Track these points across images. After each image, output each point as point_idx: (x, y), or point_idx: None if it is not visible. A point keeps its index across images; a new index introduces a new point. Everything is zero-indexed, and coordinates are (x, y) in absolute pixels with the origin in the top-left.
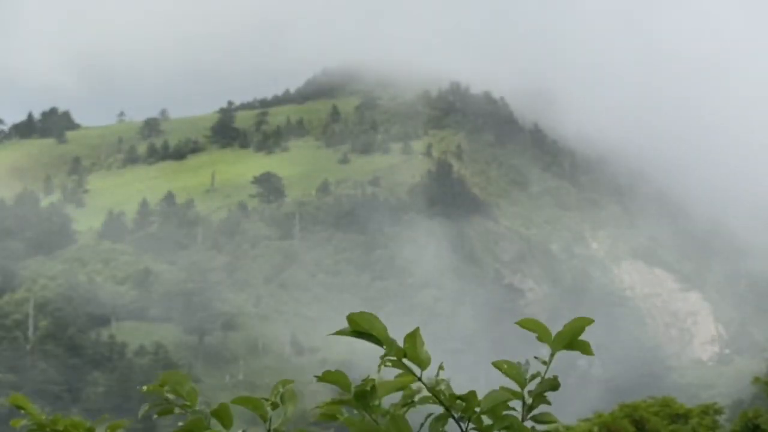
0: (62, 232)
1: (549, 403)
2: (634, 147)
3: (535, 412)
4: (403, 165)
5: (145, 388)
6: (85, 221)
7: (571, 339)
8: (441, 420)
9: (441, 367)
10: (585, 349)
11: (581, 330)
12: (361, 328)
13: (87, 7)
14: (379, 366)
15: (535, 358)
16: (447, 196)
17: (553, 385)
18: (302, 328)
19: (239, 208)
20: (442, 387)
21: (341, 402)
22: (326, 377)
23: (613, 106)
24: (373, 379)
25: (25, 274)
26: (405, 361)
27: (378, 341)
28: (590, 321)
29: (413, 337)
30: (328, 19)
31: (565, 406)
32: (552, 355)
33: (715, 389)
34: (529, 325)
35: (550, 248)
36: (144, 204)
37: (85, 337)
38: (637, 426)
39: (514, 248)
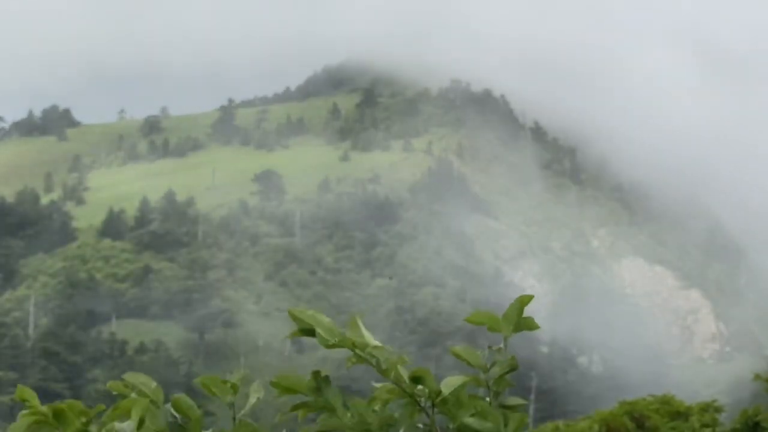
0: (62, 230)
1: (513, 385)
2: (634, 145)
3: (502, 397)
4: (404, 163)
5: (108, 384)
6: (86, 219)
7: (518, 320)
8: (407, 409)
9: (400, 357)
10: (530, 325)
11: (521, 309)
12: (305, 323)
13: (87, 6)
14: (347, 362)
15: (490, 347)
16: (447, 193)
17: (512, 365)
18: None
19: (240, 205)
20: (399, 371)
21: (303, 406)
22: (278, 383)
23: (613, 105)
24: (319, 371)
25: (26, 272)
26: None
27: (321, 335)
28: (530, 297)
29: (354, 324)
30: (329, 17)
31: (565, 404)
32: (505, 339)
33: (716, 387)
34: (477, 318)
35: (551, 246)
36: (144, 201)
37: (85, 335)
38: (637, 423)
39: (514, 246)
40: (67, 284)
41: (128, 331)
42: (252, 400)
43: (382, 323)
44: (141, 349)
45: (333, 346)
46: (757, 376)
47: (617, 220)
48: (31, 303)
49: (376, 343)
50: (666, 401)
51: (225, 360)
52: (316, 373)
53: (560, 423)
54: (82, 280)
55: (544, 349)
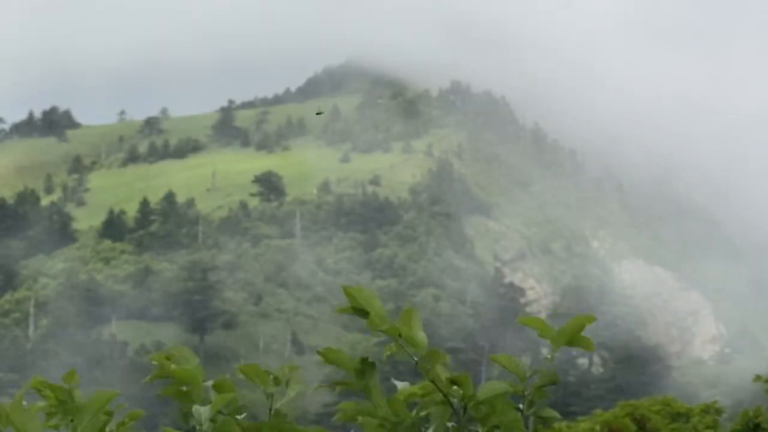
0: (63, 231)
1: (549, 398)
2: (634, 146)
3: (537, 407)
4: (404, 164)
5: (151, 356)
6: (86, 220)
7: (573, 336)
8: (441, 409)
9: (442, 354)
10: (587, 345)
11: (582, 327)
12: (358, 303)
13: (88, 6)
14: (388, 350)
15: (546, 358)
16: (448, 195)
17: (554, 379)
18: (303, 327)
19: (240, 206)
20: (437, 372)
21: (343, 384)
22: (326, 355)
23: (613, 105)
24: (367, 358)
25: (26, 273)
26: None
27: (365, 314)
28: (593, 318)
29: (408, 316)
30: (329, 18)
31: (565, 406)
32: (554, 351)
33: (716, 388)
34: (531, 322)
35: (551, 247)
36: (145, 203)
37: (85, 336)
38: (638, 425)
39: (514, 247)
40: (68, 285)
41: (128, 332)
42: (291, 393)
43: None
44: (141, 350)
45: (381, 330)
46: (758, 378)
47: (617, 221)
48: (31, 304)
49: (423, 337)
50: (667, 403)
51: (225, 361)
52: (364, 359)
53: (561, 425)
54: (83, 281)
55: (544, 350)
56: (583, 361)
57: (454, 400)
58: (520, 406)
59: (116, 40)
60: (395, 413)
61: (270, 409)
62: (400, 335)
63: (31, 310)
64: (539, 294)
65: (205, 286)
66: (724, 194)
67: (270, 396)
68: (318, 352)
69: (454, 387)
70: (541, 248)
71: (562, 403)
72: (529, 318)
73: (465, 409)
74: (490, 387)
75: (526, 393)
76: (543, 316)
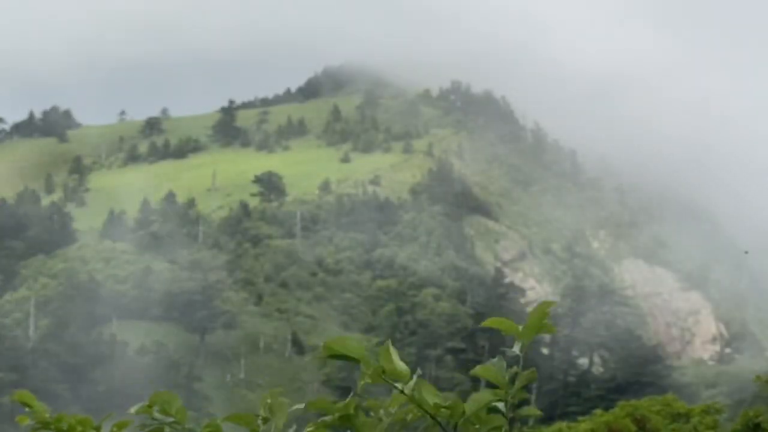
0: (63, 231)
1: (527, 397)
2: (635, 146)
3: (519, 407)
4: (404, 164)
5: (133, 409)
6: (86, 220)
7: (539, 326)
8: (429, 430)
9: (417, 373)
10: (549, 329)
11: (545, 314)
12: (337, 352)
13: (88, 6)
14: (360, 385)
15: (503, 352)
16: (448, 195)
17: (531, 378)
18: (303, 327)
19: (240, 207)
20: (424, 396)
21: (326, 424)
22: (311, 407)
23: (614, 105)
24: (354, 400)
25: (26, 273)
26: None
27: (355, 361)
28: (552, 303)
29: (387, 352)
30: (330, 18)
31: (565, 406)
32: (523, 346)
33: (716, 388)
34: (495, 324)
35: (551, 247)
36: (145, 203)
37: (86, 336)
38: (638, 425)
39: (515, 247)
40: (68, 285)
41: (129, 332)
42: (279, 424)
43: (382, 324)
44: (142, 350)
45: (369, 374)
46: (758, 378)
47: (617, 221)
48: (31, 304)
49: (405, 368)
50: (667, 403)
51: (226, 361)
52: (348, 404)
53: (561, 424)
54: (83, 281)
55: (545, 351)
56: (583, 361)
57: (443, 421)
58: (502, 408)
59: (116, 40)
60: None
61: None
62: (383, 371)
63: (32, 310)
64: (539, 294)
65: (206, 286)
66: (724, 194)
67: None
68: (303, 407)
69: (443, 409)
70: (541, 248)
71: (562, 403)
72: (492, 320)
73: (455, 427)
74: (476, 400)
75: (508, 397)
76: None
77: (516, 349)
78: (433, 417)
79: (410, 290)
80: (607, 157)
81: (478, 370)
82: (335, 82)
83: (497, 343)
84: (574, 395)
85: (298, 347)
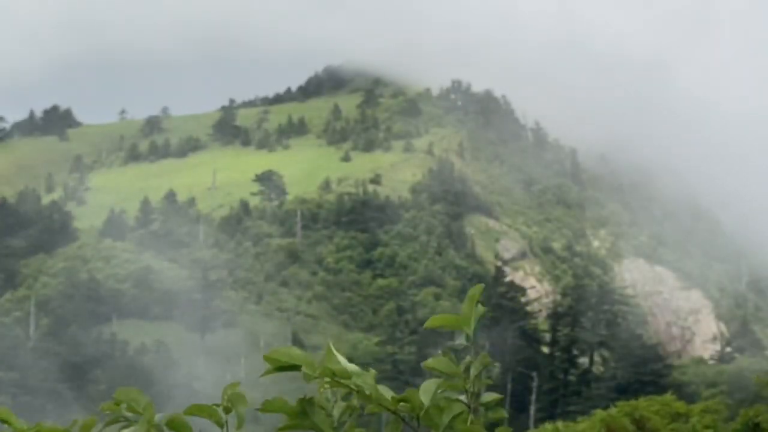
0: (63, 230)
1: (490, 382)
2: (635, 145)
3: (483, 396)
4: (405, 163)
5: (101, 406)
6: (87, 219)
7: (473, 312)
8: (393, 425)
9: (371, 373)
10: (483, 313)
11: (475, 299)
12: (282, 363)
13: (89, 4)
14: (319, 388)
15: (449, 347)
16: (448, 194)
17: (484, 362)
18: (304, 326)
19: (241, 206)
20: (379, 392)
21: (288, 427)
22: (266, 407)
23: (614, 104)
24: (308, 398)
25: (26, 272)
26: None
27: (298, 369)
28: (480, 288)
29: (330, 354)
30: (330, 17)
31: (565, 405)
32: (470, 336)
33: (716, 388)
34: (438, 322)
35: (552, 246)
36: (145, 202)
37: (86, 335)
38: (638, 425)
39: (515, 246)
40: (68, 284)
41: (129, 331)
42: (241, 413)
43: (382, 323)
44: (142, 349)
45: (315, 378)
46: (758, 378)
47: (618, 220)
48: (31, 303)
49: (354, 368)
50: (666, 403)
51: (226, 361)
52: (301, 401)
53: (561, 424)
54: (83, 280)
55: (545, 350)
56: (583, 360)
57: (405, 415)
58: (463, 399)
59: (116, 40)
60: None
61: None
62: (333, 374)
63: (32, 309)
64: (540, 293)
65: (206, 285)
66: (724, 193)
67: (225, 425)
68: (258, 410)
69: (402, 403)
70: (541, 247)
71: (562, 402)
72: (434, 319)
73: (417, 419)
74: (427, 389)
75: (467, 387)
76: (544, 314)
77: (462, 339)
78: (393, 412)
79: (411, 289)
80: (608, 156)
81: (428, 362)
82: (336, 81)
83: (498, 341)
84: (574, 394)
85: (299, 346)
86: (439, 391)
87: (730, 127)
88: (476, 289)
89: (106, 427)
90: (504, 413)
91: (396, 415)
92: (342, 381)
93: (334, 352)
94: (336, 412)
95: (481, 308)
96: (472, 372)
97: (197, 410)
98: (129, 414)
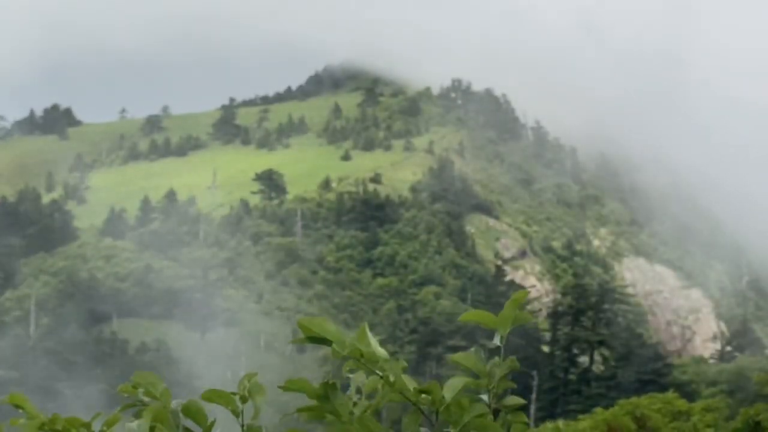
0: (64, 229)
1: (514, 386)
2: (635, 144)
3: (503, 397)
4: (405, 162)
5: (119, 388)
6: (87, 218)
7: (515, 316)
8: (412, 417)
9: (400, 362)
10: (527, 318)
11: (518, 304)
12: (314, 333)
13: (89, 4)
14: (345, 368)
15: (481, 346)
16: (448, 193)
17: (512, 366)
18: None
19: (241, 205)
20: (404, 381)
21: (308, 410)
22: (289, 386)
23: (614, 104)
24: (331, 382)
25: (27, 271)
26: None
27: (329, 343)
28: (525, 293)
29: (363, 335)
30: (330, 16)
31: (566, 404)
32: (503, 337)
33: (717, 387)
34: (473, 317)
35: (552, 245)
36: (146, 201)
37: (86, 334)
38: (639, 423)
39: (515, 245)
40: (69, 283)
41: (129, 330)
42: (258, 404)
43: (383, 322)
44: (142, 348)
45: (344, 356)
46: (759, 377)
47: (618, 219)
48: (32, 302)
49: (384, 353)
50: (667, 401)
51: (226, 359)
52: (325, 384)
53: (561, 422)
54: (84, 279)
55: (545, 349)
56: (583, 360)
57: (424, 408)
58: (485, 399)
59: (117, 39)
60: (367, 429)
61: (242, 426)
62: (362, 355)
63: (32, 308)
64: (540, 292)
65: (206, 284)
66: (724, 192)
67: (240, 414)
68: (279, 387)
69: (423, 395)
70: (542, 246)
71: (563, 401)
72: (469, 314)
73: (437, 414)
74: (453, 384)
75: (490, 387)
76: (544, 313)
77: (496, 340)
78: (414, 404)
79: (411, 288)
80: (608, 156)
81: (456, 356)
82: (336, 80)
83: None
84: (575, 393)
85: (299, 346)
86: (464, 388)
87: (730, 127)
88: (521, 295)
89: (122, 411)
90: (525, 418)
91: (416, 406)
92: (368, 364)
93: (368, 333)
94: (357, 410)
95: (526, 314)
96: (498, 373)
97: (215, 396)
98: (146, 398)
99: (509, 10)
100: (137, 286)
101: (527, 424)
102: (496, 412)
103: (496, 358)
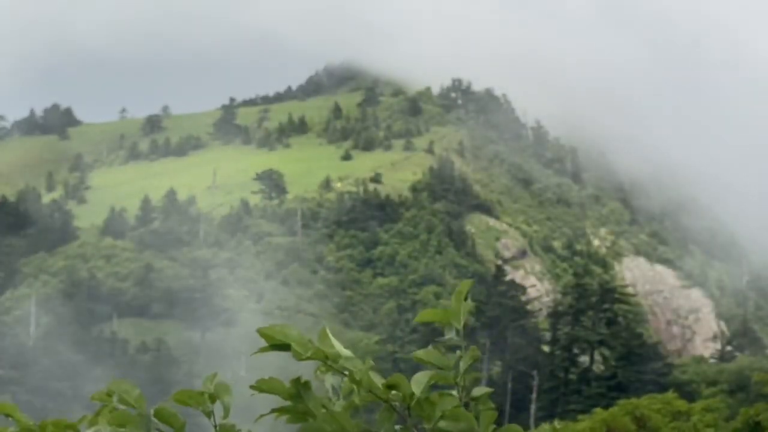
0: (64, 229)
1: (480, 376)
2: (635, 144)
3: (474, 391)
4: (405, 162)
5: (92, 396)
6: (87, 218)
7: (461, 307)
8: (385, 414)
9: (368, 361)
10: (470, 309)
11: (464, 295)
12: (276, 340)
13: (90, 3)
14: (316, 371)
15: (436, 341)
16: (449, 192)
17: (475, 356)
18: (304, 324)
19: (241, 204)
20: (371, 379)
21: (282, 411)
22: (260, 386)
23: (614, 103)
24: (300, 378)
25: (27, 271)
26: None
27: (295, 349)
28: (470, 283)
29: (325, 336)
30: (330, 16)
31: (566, 404)
32: (459, 330)
33: (717, 386)
34: (427, 316)
35: (552, 245)
36: (146, 200)
37: (86, 334)
38: (638, 423)
39: (515, 245)
40: (69, 283)
41: (129, 330)
42: (227, 403)
43: (383, 322)
44: (142, 348)
45: (307, 359)
46: (759, 376)
47: (618, 219)
48: (32, 302)
49: (347, 353)
50: (667, 401)
51: (226, 359)
52: (296, 380)
53: (557, 423)
54: (84, 278)
55: (545, 349)
56: (584, 359)
57: (396, 404)
58: (454, 393)
59: (117, 38)
60: (341, 427)
61: (215, 427)
62: (326, 357)
63: (32, 307)
64: (540, 291)
65: (206, 284)
66: (725, 192)
67: (210, 414)
68: (251, 387)
69: (393, 391)
70: (542, 246)
71: (563, 401)
72: (424, 313)
73: (408, 409)
74: (420, 378)
75: (458, 380)
76: (544, 313)
77: (451, 334)
78: (385, 401)
79: (411, 288)
80: (608, 155)
81: (419, 353)
82: (336, 79)
83: (498, 340)
84: (575, 393)
85: None
86: (431, 382)
87: (729, 127)
88: (465, 285)
89: (96, 417)
90: (493, 407)
91: (387, 403)
92: (333, 364)
93: (330, 335)
94: (337, 407)
95: (469, 303)
96: (462, 366)
97: (185, 397)
98: (121, 405)
99: (508, 9)
100: (137, 286)
101: (495, 410)
102: (466, 406)
103: (458, 352)
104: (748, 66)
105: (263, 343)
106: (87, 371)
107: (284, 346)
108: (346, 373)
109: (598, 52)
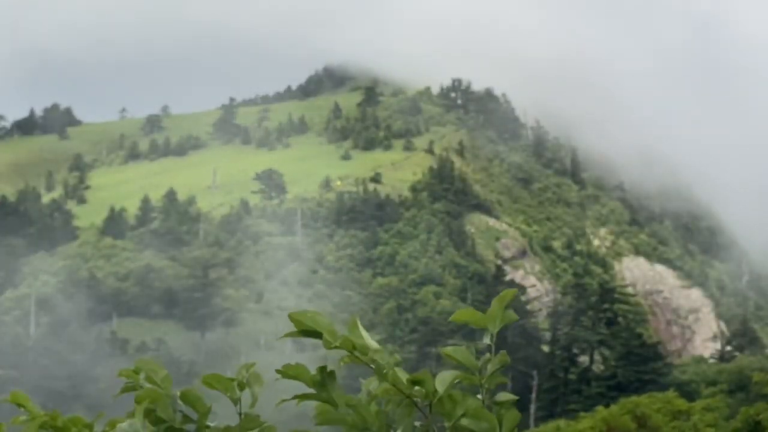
0: (64, 228)
1: (506, 381)
2: (635, 143)
3: (495, 394)
4: (405, 162)
5: (120, 371)
6: (87, 217)
7: (503, 314)
8: (406, 409)
9: (394, 356)
10: (510, 317)
11: (507, 302)
12: (306, 326)
13: (90, 3)
14: (341, 360)
15: (469, 345)
16: (448, 192)
17: (503, 361)
18: None
19: (241, 204)
20: (397, 373)
21: (305, 397)
22: (286, 371)
23: (614, 103)
24: (325, 367)
25: (27, 270)
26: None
27: (325, 337)
28: (513, 292)
29: (355, 327)
30: (330, 16)
31: (566, 403)
32: (493, 336)
33: (717, 386)
34: (463, 317)
35: (552, 245)
36: (145, 200)
37: (86, 334)
38: (639, 423)
39: (515, 245)
40: (68, 283)
41: (129, 329)
42: (256, 393)
43: (383, 322)
44: (142, 347)
45: (335, 347)
46: (759, 376)
47: (618, 219)
48: (32, 301)
49: (376, 345)
50: (667, 400)
51: (226, 359)
52: (322, 368)
53: (561, 422)
54: (83, 278)
55: (545, 348)
56: (584, 359)
57: (418, 400)
58: (479, 396)
59: (118, 38)
60: (362, 419)
61: (239, 414)
62: (354, 347)
63: (32, 307)
64: (540, 291)
65: (206, 284)
66: (725, 192)
67: (237, 401)
68: (277, 371)
69: (416, 387)
70: (541, 246)
71: (563, 401)
72: (459, 313)
73: (430, 406)
74: (445, 377)
75: (482, 383)
76: (544, 313)
77: (486, 338)
78: (407, 396)
79: (411, 288)
80: (608, 155)
81: (447, 350)
82: (336, 79)
83: (498, 340)
84: (575, 393)
85: (299, 345)
86: (456, 381)
87: (729, 126)
88: (508, 293)
89: (121, 394)
90: (517, 414)
91: (409, 399)
92: (360, 356)
93: (360, 326)
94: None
95: (512, 313)
96: (490, 369)
97: (215, 381)
98: (147, 383)
99: (508, 9)
100: (137, 285)
101: (519, 419)
102: (489, 408)
103: (487, 354)
104: (749, 66)
105: (263, 343)
106: (87, 371)
107: (313, 333)
108: (373, 366)
109: (598, 52)
